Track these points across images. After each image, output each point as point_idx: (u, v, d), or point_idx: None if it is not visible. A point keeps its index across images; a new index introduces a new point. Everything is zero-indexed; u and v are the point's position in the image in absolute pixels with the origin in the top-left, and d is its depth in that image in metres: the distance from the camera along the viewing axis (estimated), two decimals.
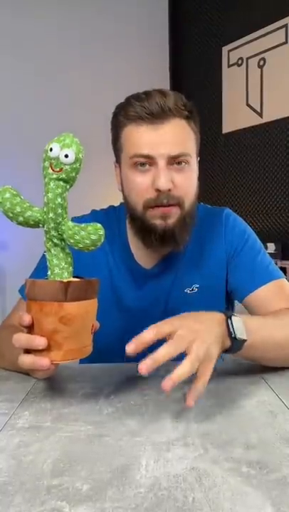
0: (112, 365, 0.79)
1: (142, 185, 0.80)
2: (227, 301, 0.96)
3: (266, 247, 2.39)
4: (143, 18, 2.85)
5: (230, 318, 0.64)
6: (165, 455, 0.47)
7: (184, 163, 0.80)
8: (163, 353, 0.54)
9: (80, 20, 2.65)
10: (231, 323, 0.63)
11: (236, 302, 0.97)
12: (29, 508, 0.39)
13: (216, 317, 0.63)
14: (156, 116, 0.78)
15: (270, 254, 0.95)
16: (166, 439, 0.51)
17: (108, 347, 0.87)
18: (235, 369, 0.76)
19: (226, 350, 0.64)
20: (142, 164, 0.80)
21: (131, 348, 0.55)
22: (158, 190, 0.78)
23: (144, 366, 0.53)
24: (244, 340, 0.64)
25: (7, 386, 0.70)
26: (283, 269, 2.16)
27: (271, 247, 2.40)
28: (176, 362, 0.54)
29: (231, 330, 0.62)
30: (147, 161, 0.79)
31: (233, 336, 0.62)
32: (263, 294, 0.86)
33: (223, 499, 0.40)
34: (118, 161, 0.88)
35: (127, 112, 0.80)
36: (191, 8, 2.96)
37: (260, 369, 0.75)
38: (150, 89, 0.81)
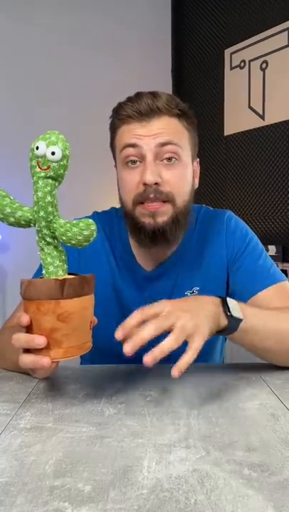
0: (114, 366, 0.79)
1: (132, 181, 0.81)
2: None
3: (267, 250, 2.38)
4: (145, 20, 2.86)
5: (226, 299, 0.66)
6: (167, 457, 0.48)
7: (174, 159, 0.81)
8: (146, 334, 0.56)
9: (80, 22, 2.65)
10: (226, 303, 0.65)
11: None
12: (32, 508, 0.39)
13: (209, 298, 0.66)
14: (145, 114, 0.80)
15: (271, 256, 0.95)
16: (168, 440, 0.51)
17: (110, 348, 0.87)
18: (236, 372, 0.76)
19: (222, 331, 0.65)
20: (133, 162, 0.81)
21: (119, 334, 0.58)
22: (145, 184, 0.79)
23: (128, 348, 0.56)
24: (240, 320, 0.66)
25: (9, 387, 0.70)
26: (284, 272, 2.17)
27: (272, 249, 2.40)
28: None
29: (226, 308, 0.65)
30: (137, 157, 0.80)
31: (229, 313, 0.64)
32: (265, 297, 0.86)
33: (224, 501, 0.40)
34: (115, 163, 0.90)
35: (119, 113, 0.83)
36: (194, 10, 2.97)
37: (261, 372, 0.75)
38: (142, 91, 0.83)
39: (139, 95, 0.82)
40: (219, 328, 0.64)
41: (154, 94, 0.81)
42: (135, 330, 0.58)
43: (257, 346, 0.74)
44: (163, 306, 0.60)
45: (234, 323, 0.65)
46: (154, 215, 0.80)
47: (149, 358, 0.55)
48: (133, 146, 0.80)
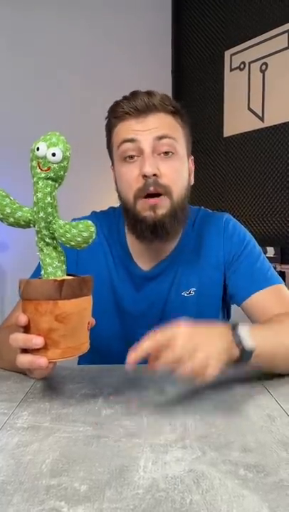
0: (111, 366, 0.79)
1: (131, 175, 0.82)
2: (223, 305, 0.96)
3: (265, 251, 2.39)
4: (146, 21, 2.86)
5: (236, 328, 0.64)
6: (163, 457, 0.48)
7: (170, 153, 0.83)
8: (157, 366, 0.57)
9: (80, 22, 2.66)
10: (237, 333, 0.63)
11: (235, 306, 0.97)
12: (28, 507, 0.39)
13: (219, 329, 0.64)
14: (141, 110, 0.81)
15: (269, 258, 0.95)
16: (165, 441, 0.51)
17: (107, 348, 0.88)
18: (234, 373, 0.76)
19: (235, 361, 0.63)
20: (131, 157, 0.82)
21: (130, 360, 0.57)
22: (144, 177, 0.80)
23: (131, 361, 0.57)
24: (252, 351, 0.63)
25: (6, 386, 0.70)
26: (282, 273, 2.17)
27: (270, 251, 2.41)
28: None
29: (239, 339, 0.63)
30: (135, 152, 0.82)
31: (241, 346, 0.62)
32: (261, 299, 0.86)
33: (220, 501, 0.40)
34: (112, 162, 0.90)
35: (116, 111, 0.84)
36: (194, 12, 2.97)
37: (259, 373, 0.75)
38: (138, 90, 0.85)
39: (134, 94, 0.84)
40: (231, 360, 0.62)
41: (149, 93, 0.83)
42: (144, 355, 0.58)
43: (268, 367, 0.72)
44: (177, 334, 0.59)
45: (247, 353, 0.63)
46: (154, 208, 0.81)
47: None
48: (131, 141, 0.81)
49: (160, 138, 0.81)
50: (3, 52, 2.45)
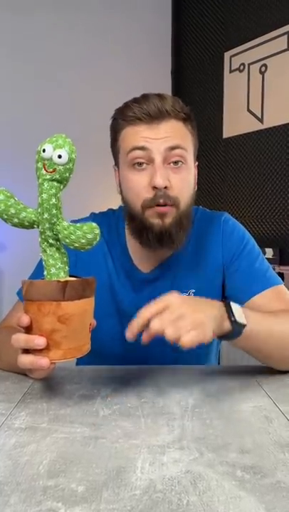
0: (109, 367, 0.79)
1: (140, 184, 0.81)
2: None
3: (264, 253, 2.38)
4: (146, 22, 2.86)
5: (229, 304, 0.67)
6: (160, 458, 0.48)
7: (180, 163, 0.81)
8: (153, 330, 0.60)
9: (80, 23, 2.66)
10: (230, 308, 0.67)
11: None
12: (25, 508, 0.39)
13: (214, 302, 0.67)
14: (154, 116, 0.79)
15: (268, 259, 0.95)
16: (162, 442, 0.51)
17: (106, 350, 0.87)
18: (232, 374, 0.76)
19: (225, 336, 0.67)
20: (140, 164, 0.80)
21: (129, 336, 0.62)
22: (155, 188, 0.79)
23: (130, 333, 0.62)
24: (244, 325, 0.67)
25: (4, 386, 0.70)
26: (281, 275, 2.18)
27: (269, 252, 2.41)
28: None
29: (230, 313, 0.66)
30: (144, 160, 0.80)
31: (232, 319, 0.65)
32: (261, 301, 0.86)
33: (217, 503, 0.40)
34: (116, 163, 0.89)
35: (126, 114, 0.82)
36: (194, 12, 2.98)
37: (256, 375, 0.76)
38: (148, 93, 0.82)
39: (146, 97, 0.81)
40: (222, 333, 0.65)
41: (160, 96, 0.81)
42: (141, 328, 0.62)
43: (258, 351, 0.74)
44: (170, 301, 0.63)
45: (237, 328, 0.66)
46: (162, 217, 0.80)
47: (144, 337, 0.61)
48: (142, 148, 0.79)
49: (172, 148, 0.79)
50: (3, 55, 2.45)
